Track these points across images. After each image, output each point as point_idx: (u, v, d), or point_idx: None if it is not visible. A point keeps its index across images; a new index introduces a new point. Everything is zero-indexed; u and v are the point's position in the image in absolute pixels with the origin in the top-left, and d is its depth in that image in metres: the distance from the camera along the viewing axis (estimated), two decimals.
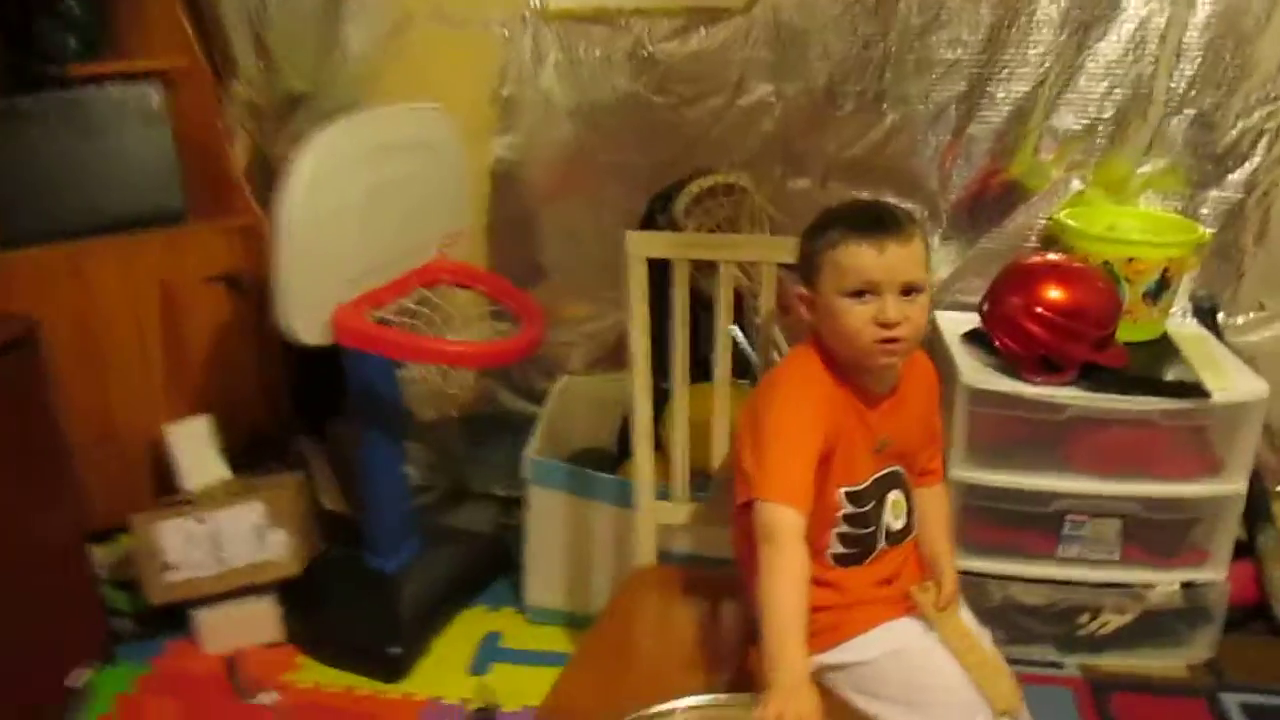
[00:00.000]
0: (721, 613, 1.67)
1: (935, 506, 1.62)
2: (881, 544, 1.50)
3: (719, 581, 1.69)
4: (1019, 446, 2.12)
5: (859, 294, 1.39)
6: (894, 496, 1.51)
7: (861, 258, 1.38)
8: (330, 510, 2.53)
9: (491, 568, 2.55)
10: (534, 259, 2.56)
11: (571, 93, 2.37)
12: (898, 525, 1.52)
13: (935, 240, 2.40)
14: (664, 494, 1.79)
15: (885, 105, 2.32)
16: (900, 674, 1.41)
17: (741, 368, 1.98)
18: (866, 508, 1.48)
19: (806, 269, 1.46)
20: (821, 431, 1.40)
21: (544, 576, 2.32)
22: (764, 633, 1.29)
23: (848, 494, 1.46)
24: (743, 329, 2.02)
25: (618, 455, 2.55)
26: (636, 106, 2.36)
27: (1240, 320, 2.41)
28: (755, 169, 2.38)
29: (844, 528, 1.47)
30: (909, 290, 1.39)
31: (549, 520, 2.25)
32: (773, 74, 2.31)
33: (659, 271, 2.17)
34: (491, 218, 2.52)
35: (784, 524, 1.33)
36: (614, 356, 2.61)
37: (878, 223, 1.39)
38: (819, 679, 1.35)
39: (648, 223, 2.43)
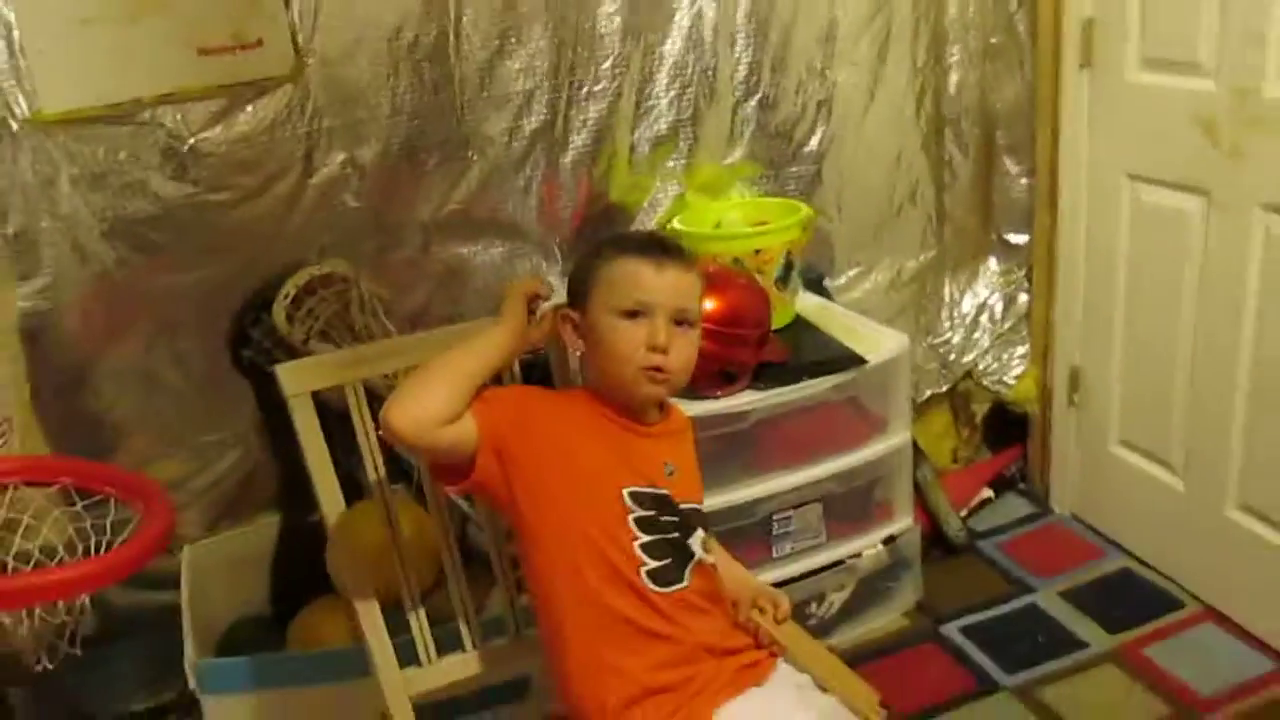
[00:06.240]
0: None
1: (720, 550, 1.52)
2: (696, 557, 1.37)
3: None
4: (715, 465, 2.04)
5: (632, 314, 1.32)
6: (702, 534, 1.41)
7: (640, 274, 1.33)
8: None
9: None
10: (102, 421, 2.07)
11: (102, 212, 1.91)
12: (710, 560, 1.41)
13: (556, 280, 2.26)
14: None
15: (470, 152, 2.13)
16: None
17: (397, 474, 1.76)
18: (668, 520, 1.36)
19: (577, 290, 1.40)
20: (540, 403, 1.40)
21: None
22: (463, 358, 1.32)
23: (633, 494, 1.34)
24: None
25: (275, 617, 2.17)
26: (190, 211, 1.96)
27: (843, 280, 2.54)
28: (349, 251, 2.09)
29: (643, 536, 1.33)
30: (681, 320, 1.34)
31: None
32: (343, 141, 2.03)
33: (270, 388, 1.84)
34: (33, 387, 1.99)
35: None
36: (236, 508, 2.21)
37: (659, 244, 1.38)
38: None
39: (241, 342, 2.06)
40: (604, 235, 1.42)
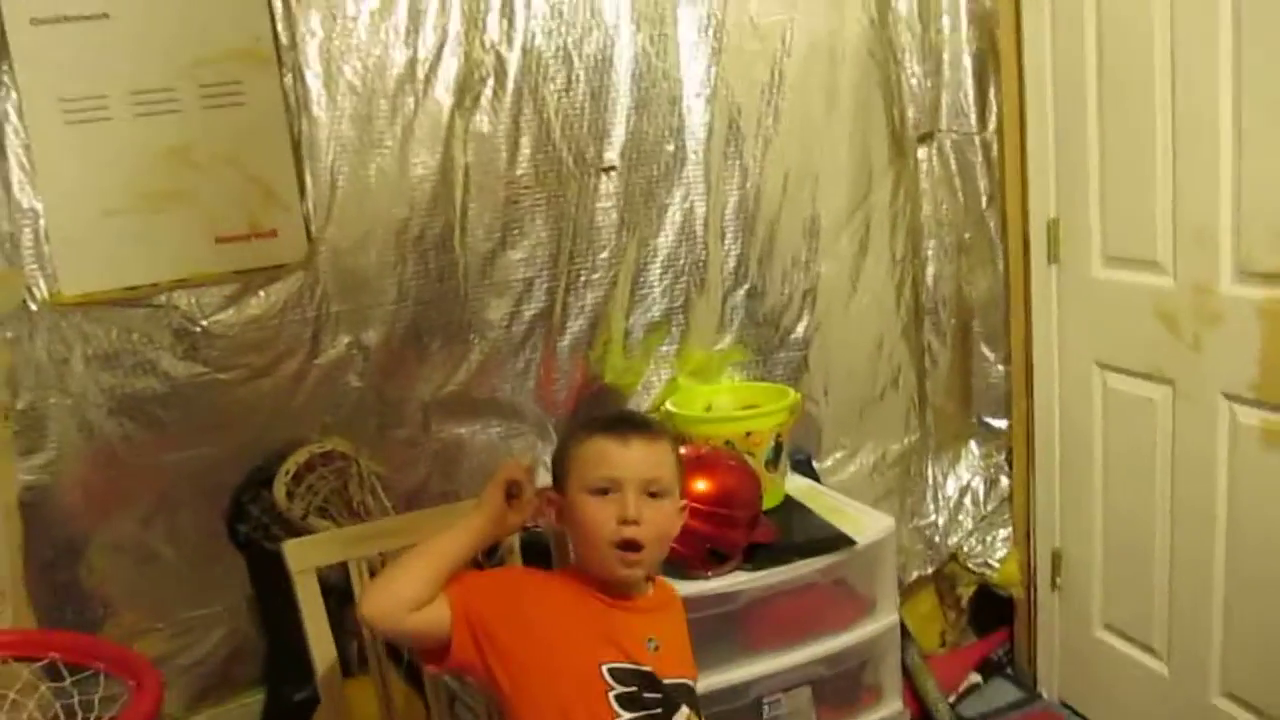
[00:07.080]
0: None
1: None
2: None
3: None
4: (706, 645, 2.04)
5: (603, 491, 1.37)
6: (687, 711, 1.41)
7: (606, 452, 1.38)
8: None
9: None
10: (92, 594, 2.06)
11: (111, 390, 1.97)
12: None
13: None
14: None
15: (472, 336, 2.22)
16: None
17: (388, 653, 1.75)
18: (651, 697, 1.37)
19: (557, 473, 1.45)
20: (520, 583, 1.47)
21: None
22: (436, 545, 1.37)
23: (612, 671, 1.36)
24: None
25: None
26: (197, 389, 2.02)
27: (830, 462, 2.60)
28: (350, 428, 2.14)
29: (624, 714, 1.34)
30: (654, 492, 1.38)
31: None
32: (349, 325, 2.11)
33: (264, 564, 1.86)
34: (27, 560, 1.99)
35: None
36: (220, 686, 2.18)
37: (623, 421, 1.46)
38: None
39: (239, 517, 2.08)
40: (586, 416, 1.50)
